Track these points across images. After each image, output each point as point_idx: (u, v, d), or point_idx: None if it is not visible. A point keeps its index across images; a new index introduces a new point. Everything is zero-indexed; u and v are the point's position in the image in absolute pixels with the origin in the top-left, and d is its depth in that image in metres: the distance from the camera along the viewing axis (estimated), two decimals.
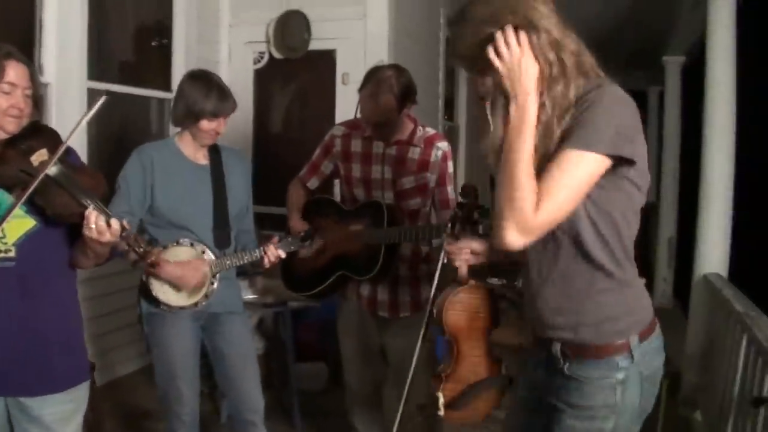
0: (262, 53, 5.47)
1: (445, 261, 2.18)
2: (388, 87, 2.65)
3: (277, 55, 5.35)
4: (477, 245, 2.09)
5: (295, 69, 5.46)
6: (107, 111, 4.19)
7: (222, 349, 2.78)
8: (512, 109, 1.56)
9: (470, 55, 1.65)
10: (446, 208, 2.84)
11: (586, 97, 1.58)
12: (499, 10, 1.58)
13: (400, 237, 2.71)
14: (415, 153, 2.81)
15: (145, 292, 2.63)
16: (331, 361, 4.62)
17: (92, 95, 4.18)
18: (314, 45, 5.29)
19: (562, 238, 1.65)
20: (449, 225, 2.16)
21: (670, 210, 7.88)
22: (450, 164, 2.88)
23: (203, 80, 2.62)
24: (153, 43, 4.99)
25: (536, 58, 1.57)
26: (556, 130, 1.57)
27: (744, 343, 3.21)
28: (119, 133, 4.81)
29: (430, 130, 2.89)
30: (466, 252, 2.10)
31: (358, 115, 2.81)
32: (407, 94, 2.72)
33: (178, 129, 2.71)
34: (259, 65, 5.49)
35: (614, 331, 1.67)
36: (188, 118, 2.61)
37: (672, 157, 7.93)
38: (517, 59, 1.55)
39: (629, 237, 1.67)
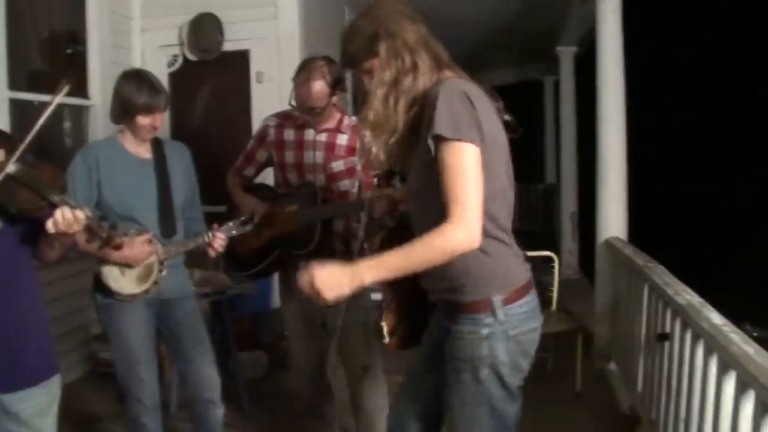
0: (175, 56, 5.58)
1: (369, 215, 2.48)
2: (320, 74, 2.88)
3: (191, 57, 5.47)
4: (398, 194, 2.44)
5: (210, 70, 5.58)
6: (22, 121, 4.21)
7: (176, 333, 2.93)
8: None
9: (355, 57, 2.00)
10: (370, 189, 3.10)
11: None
12: (374, 24, 1.94)
13: (335, 212, 2.95)
14: (343, 139, 3.05)
15: (98, 284, 2.76)
16: (268, 349, 4.82)
17: (13, 105, 4.22)
18: (227, 46, 5.45)
19: (432, 213, 1.87)
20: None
21: (571, 188, 8.39)
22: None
23: (135, 78, 2.77)
24: (68, 51, 5.01)
25: (393, 57, 1.90)
26: (401, 114, 1.91)
27: (645, 291, 3.59)
28: (36, 141, 4.80)
29: (355, 118, 3.14)
30: (385, 199, 2.45)
31: (293, 103, 3.00)
32: (337, 82, 2.95)
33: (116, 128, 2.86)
34: (174, 68, 5.58)
35: (477, 291, 1.91)
36: (125, 115, 2.75)
37: (569, 140, 8.46)
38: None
39: (495, 213, 1.91)
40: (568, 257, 8.22)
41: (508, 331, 1.91)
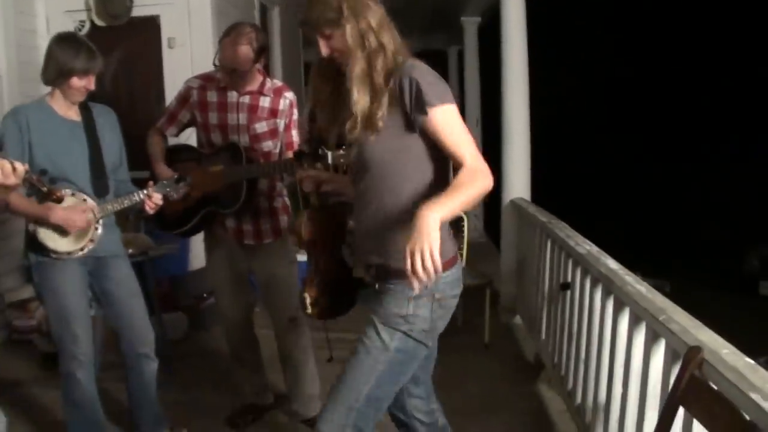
0: (82, 22, 5.47)
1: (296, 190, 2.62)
2: (247, 40, 2.99)
3: (99, 22, 5.39)
4: (322, 174, 2.52)
5: (119, 36, 5.51)
6: None
7: (110, 290, 3.00)
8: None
9: (315, 23, 2.07)
10: (291, 149, 3.24)
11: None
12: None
13: (260, 172, 3.08)
14: (265, 102, 3.17)
15: (33, 243, 2.79)
16: (187, 312, 4.90)
17: None
18: (137, 11, 5.40)
19: (370, 187, 2.08)
20: (300, 159, 2.58)
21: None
22: (296, 111, 3.28)
23: (71, 41, 2.80)
24: None
25: (360, 44, 2.00)
26: (383, 87, 2.01)
27: (549, 245, 3.88)
28: None
29: (278, 82, 3.27)
30: (311, 180, 2.50)
31: (216, 62, 3.09)
32: (262, 50, 3.07)
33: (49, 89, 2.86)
34: (81, 34, 5.48)
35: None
36: (60, 77, 2.77)
37: (474, 108, 8.76)
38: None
39: (423, 183, 2.07)
40: (474, 220, 8.50)
41: (434, 294, 2.05)
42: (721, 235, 11.05)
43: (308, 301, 2.51)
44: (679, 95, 13.47)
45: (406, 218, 1.92)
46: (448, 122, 1.99)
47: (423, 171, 2.07)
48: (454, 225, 4.94)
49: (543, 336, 4.00)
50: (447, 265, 2.04)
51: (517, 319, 5.06)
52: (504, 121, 5.34)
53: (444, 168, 2.11)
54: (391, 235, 2.05)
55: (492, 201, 6.48)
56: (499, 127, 5.43)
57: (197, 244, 5.29)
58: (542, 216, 4.16)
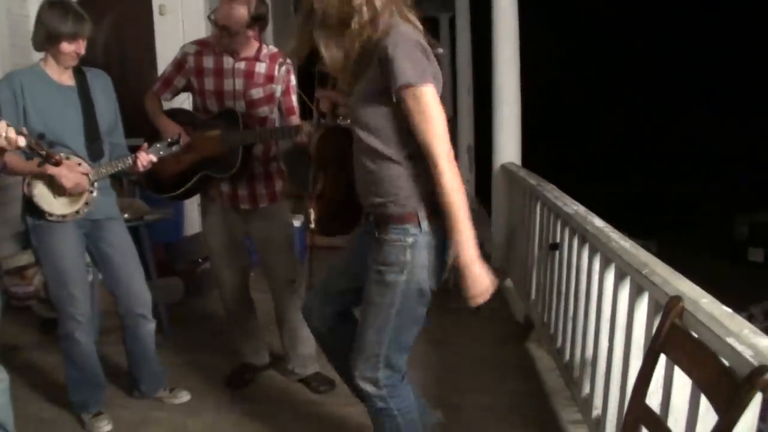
0: None
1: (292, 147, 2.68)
2: (245, 2, 3.01)
3: None
4: (339, 96, 2.56)
5: (110, 3, 5.53)
6: None
7: (107, 252, 3.05)
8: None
9: None
10: (292, 114, 3.29)
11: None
12: None
13: (257, 137, 3.12)
14: (261, 68, 3.20)
15: (30, 206, 2.84)
16: (182, 276, 4.97)
17: None
18: None
19: (364, 136, 2.16)
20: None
21: (467, 121, 8.74)
22: (293, 77, 3.31)
23: (59, 6, 2.81)
24: None
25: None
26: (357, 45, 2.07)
27: (538, 208, 3.95)
28: None
29: (273, 48, 3.29)
30: (328, 99, 2.60)
31: (212, 17, 3.11)
32: (260, 18, 3.10)
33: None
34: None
35: (406, 204, 2.16)
36: (49, 42, 2.81)
37: (465, 75, 8.77)
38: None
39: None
40: (465, 187, 8.52)
41: (431, 240, 2.17)
42: (711, 202, 11.15)
43: (312, 216, 2.63)
44: (671, 61, 13.50)
45: (399, 165, 2.12)
46: (419, 108, 2.03)
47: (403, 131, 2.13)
48: None
49: (533, 296, 4.08)
50: (433, 213, 2.17)
51: (508, 282, 5.14)
52: (495, 87, 5.37)
53: None
54: (387, 181, 2.15)
55: (483, 167, 6.56)
56: (490, 93, 5.47)
57: (192, 210, 5.36)
58: (532, 179, 4.22)
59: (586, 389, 2.89)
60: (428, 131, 2.04)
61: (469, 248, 2.08)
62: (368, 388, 2.29)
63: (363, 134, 2.16)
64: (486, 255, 5.14)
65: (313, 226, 2.61)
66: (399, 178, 2.14)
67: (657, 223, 9.45)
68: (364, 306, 2.29)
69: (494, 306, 4.80)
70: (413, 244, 2.15)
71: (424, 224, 2.16)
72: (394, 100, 2.04)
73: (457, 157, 7.17)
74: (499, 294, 5.05)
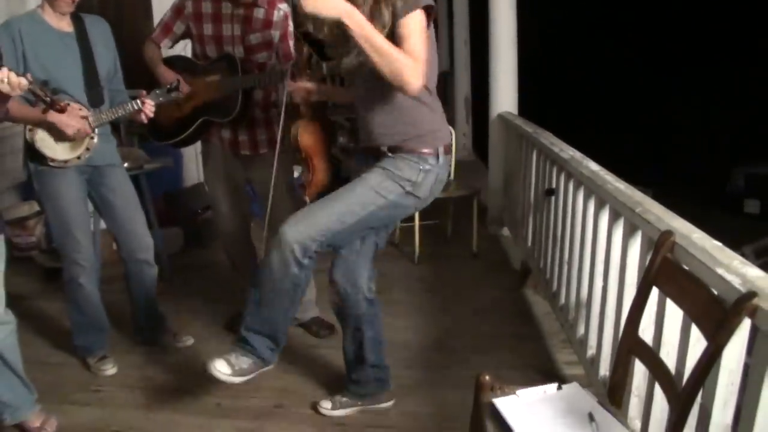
0: None
1: (288, 101, 2.82)
2: None
3: None
4: (311, 85, 2.77)
5: None
6: None
7: (108, 198, 3.09)
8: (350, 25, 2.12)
9: None
10: (289, 59, 3.29)
11: None
12: None
13: (255, 82, 3.13)
14: (260, 13, 3.19)
15: (32, 152, 2.86)
16: (183, 226, 5.01)
17: None
18: None
19: (376, 85, 2.28)
20: (289, 71, 2.73)
21: (464, 73, 8.69)
22: (291, 23, 3.31)
23: None
24: None
25: None
26: (385, 12, 2.19)
27: (534, 155, 3.98)
28: None
29: None
30: (302, 90, 2.77)
31: None
32: None
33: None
34: None
35: (425, 142, 2.38)
36: None
37: (462, 27, 8.70)
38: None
39: (433, 75, 2.36)
40: (462, 139, 8.57)
41: (439, 173, 2.44)
42: (707, 154, 11.16)
43: (308, 202, 2.80)
44: (670, 8, 13.35)
45: (412, 105, 2.32)
46: (410, 28, 2.16)
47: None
48: None
49: (529, 243, 4.13)
50: (448, 148, 2.47)
51: (505, 231, 5.20)
52: (491, 36, 5.35)
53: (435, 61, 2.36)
54: (401, 121, 2.36)
55: (480, 118, 6.56)
56: (487, 44, 5.45)
57: (190, 161, 5.39)
58: (528, 127, 4.24)
59: (581, 330, 2.95)
60: (416, 42, 2.17)
61: (354, 19, 2.12)
62: (296, 251, 2.36)
63: (376, 82, 2.25)
64: (482, 204, 5.24)
65: None
66: (419, 115, 2.36)
67: (653, 175, 9.45)
68: (353, 185, 2.41)
69: (491, 252, 4.90)
70: (427, 171, 2.38)
71: (442, 159, 2.40)
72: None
73: (453, 109, 7.23)
74: (495, 241, 5.16)
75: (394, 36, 2.17)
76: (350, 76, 2.52)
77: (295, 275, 2.41)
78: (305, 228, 2.35)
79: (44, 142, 2.83)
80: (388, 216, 2.47)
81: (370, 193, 2.37)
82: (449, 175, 2.61)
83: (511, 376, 2.28)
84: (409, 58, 2.13)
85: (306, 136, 2.83)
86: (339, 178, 2.96)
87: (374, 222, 2.44)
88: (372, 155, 2.46)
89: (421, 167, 2.37)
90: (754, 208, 9.74)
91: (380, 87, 2.28)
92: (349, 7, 2.11)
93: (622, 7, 13.57)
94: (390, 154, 2.39)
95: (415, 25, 2.16)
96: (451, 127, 2.62)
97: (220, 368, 2.50)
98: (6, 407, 2.59)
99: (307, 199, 2.77)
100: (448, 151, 2.46)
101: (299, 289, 2.49)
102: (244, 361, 2.55)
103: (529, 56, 5.92)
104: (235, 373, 2.52)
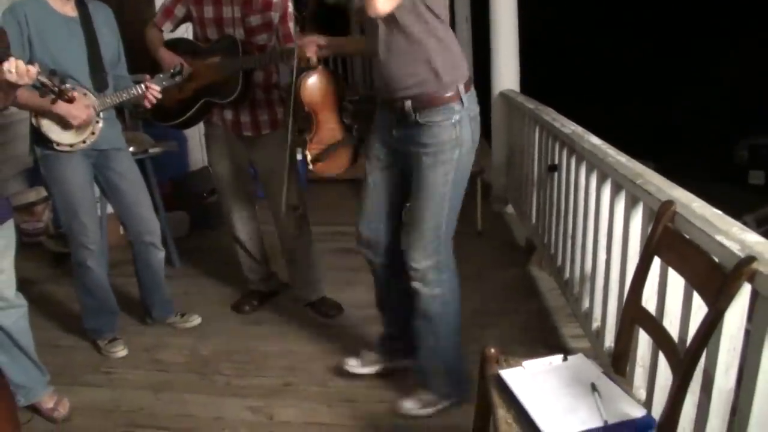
0: None
1: (297, 63, 2.83)
2: None
3: None
4: (321, 39, 2.80)
5: None
6: None
7: (115, 181, 3.11)
8: None
9: None
10: (289, 41, 3.29)
11: None
12: None
13: (256, 63, 3.15)
14: None
15: (38, 136, 2.88)
16: (189, 210, 5.04)
17: None
18: None
19: (393, 34, 2.29)
20: (297, 26, 2.72)
21: (466, 51, 8.65)
22: (290, 4, 3.31)
23: None
24: None
25: None
26: None
27: (536, 131, 3.98)
28: None
29: None
30: (313, 43, 2.80)
31: None
32: None
33: None
34: None
35: (447, 81, 2.32)
36: None
37: (463, 3, 8.65)
38: None
39: (445, 13, 2.34)
40: None
41: (470, 114, 2.38)
42: (711, 125, 11.12)
43: (309, 158, 2.81)
44: None
45: (432, 47, 2.28)
46: None
47: (433, 17, 2.28)
48: None
49: (533, 219, 4.15)
50: (469, 83, 2.40)
51: (509, 209, 5.22)
52: (492, 13, 5.34)
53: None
54: (422, 66, 2.30)
55: (483, 96, 6.55)
56: (488, 21, 5.43)
57: (195, 146, 5.41)
58: (530, 103, 4.24)
59: (586, 304, 2.97)
60: None
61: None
62: (430, 274, 2.48)
63: (395, 24, 2.26)
64: (486, 182, 5.25)
65: (311, 166, 2.71)
66: (436, 53, 2.29)
67: (657, 148, 9.45)
68: (415, 194, 2.44)
69: (495, 230, 4.92)
70: (459, 120, 2.34)
71: (465, 99, 2.35)
72: None
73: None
74: (500, 219, 5.18)
75: None
76: (360, 16, 2.49)
77: (434, 295, 2.52)
78: (417, 251, 2.45)
79: (50, 126, 2.85)
80: (462, 178, 2.45)
81: (433, 189, 2.39)
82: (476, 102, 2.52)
83: (518, 351, 2.30)
84: None
85: (311, 90, 2.79)
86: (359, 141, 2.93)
87: (458, 196, 2.46)
88: (395, 115, 2.42)
89: (452, 120, 2.34)
90: (759, 179, 9.72)
91: (390, 27, 2.28)
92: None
93: None
94: (416, 117, 2.36)
95: None
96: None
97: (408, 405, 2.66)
98: (20, 389, 2.64)
99: (308, 155, 2.76)
100: (469, 87, 2.40)
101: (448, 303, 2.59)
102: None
103: (531, 33, 5.91)
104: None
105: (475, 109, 2.42)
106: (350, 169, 3.01)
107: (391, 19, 2.24)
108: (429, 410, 2.66)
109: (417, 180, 2.42)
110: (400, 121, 2.42)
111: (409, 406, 2.67)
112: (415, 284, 2.53)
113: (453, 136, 2.35)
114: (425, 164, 2.38)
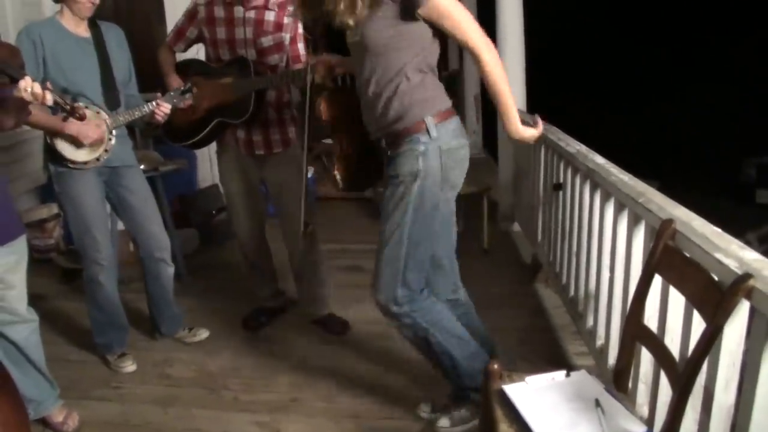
0: None
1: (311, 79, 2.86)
2: None
3: None
4: (333, 59, 2.83)
5: None
6: None
7: (126, 198, 3.17)
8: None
9: None
10: (298, 62, 3.35)
11: None
12: None
13: (268, 83, 3.20)
14: (271, 16, 3.26)
15: (52, 154, 2.94)
16: (198, 227, 5.09)
17: None
18: None
19: (368, 67, 2.31)
20: (309, 46, 2.75)
21: (473, 72, 8.71)
22: (300, 25, 3.37)
23: None
24: None
25: None
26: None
27: (542, 150, 4.02)
28: None
29: None
30: (324, 63, 2.83)
31: None
32: None
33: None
34: None
35: (414, 115, 2.31)
36: None
37: None
38: None
39: (417, 59, 2.29)
40: (473, 138, 8.58)
41: (441, 146, 2.31)
42: (719, 144, 11.13)
43: (338, 177, 2.79)
44: (680, 0, 13.32)
45: (405, 80, 2.28)
46: (448, 10, 2.18)
47: (416, 51, 2.28)
48: None
49: (539, 237, 4.17)
50: (445, 115, 2.35)
51: (515, 227, 5.25)
52: (499, 33, 5.39)
53: (435, 46, 2.34)
54: (396, 98, 2.30)
55: (490, 116, 6.58)
56: (494, 39, 5.48)
57: (204, 164, 5.47)
58: None
59: (590, 321, 3.00)
60: (464, 30, 2.20)
61: (515, 124, 2.37)
62: (391, 307, 2.45)
63: (369, 64, 2.30)
64: (493, 200, 5.28)
65: (341, 186, 2.75)
66: (404, 93, 2.29)
67: (663, 166, 9.47)
68: (381, 225, 2.43)
69: (502, 248, 4.95)
70: (425, 152, 2.30)
71: (433, 130, 2.30)
72: (416, 17, 2.19)
73: (463, 108, 7.26)
74: (506, 237, 5.20)
75: (404, 13, 2.20)
76: (354, 49, 2.49)
77: (406, 325, 2.51)
78: (382, 284, 2.44)
79: (64, 145, 2.91)
80: (428, 213, 2.38)
81: (395, 224, 2.37)
82: (461, 135, 2.46)
83: (522, 367, 2.33)
84: (488, 60, 2.22)
85: (333, 107, 2.79)
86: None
87: (423, 231, 2.39)
88: (385, 153, 2.45)
89: (415, 152, 2.30)
90: (767, 198, 9.70)
91: (366, 68, 2.32)
92: (516, 133, 2.40)
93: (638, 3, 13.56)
94: (389, 152, 2.38)
95: (452, 5, 2.19)
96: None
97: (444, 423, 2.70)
98: (30, 402, 2.68)
99: (337, 174, 2.79)
100: (444, 118, 2.33)
101: (425, 330, 2.53)
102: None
103: (537, 53, 5.96)
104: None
105: (453, 142, 2.35)
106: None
107: (369, 62, 2.30)
108: (464, 427, 2.71)
109: (381, 209, 2.44)
110: (384, 150, 2.46)
111: (445, 423, 2.71)
112: (385, 318, 2.55)
113: (414, 168, 2.31)
114: (386, 196, 2.40)
